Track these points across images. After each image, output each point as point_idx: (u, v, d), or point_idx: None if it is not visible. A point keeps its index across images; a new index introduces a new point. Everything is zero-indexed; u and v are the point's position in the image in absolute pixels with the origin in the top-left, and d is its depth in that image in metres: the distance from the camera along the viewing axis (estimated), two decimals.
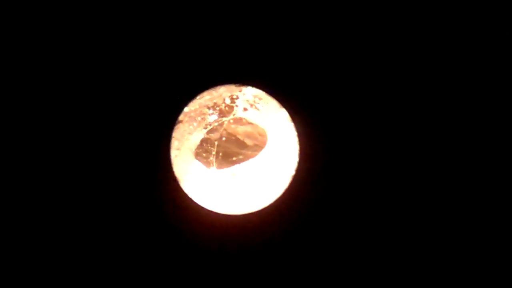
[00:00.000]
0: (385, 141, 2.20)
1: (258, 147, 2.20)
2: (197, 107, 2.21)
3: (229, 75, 2.22)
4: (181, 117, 2.21)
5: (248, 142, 2.19)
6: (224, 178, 2.21)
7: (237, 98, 2.23)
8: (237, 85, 2.20)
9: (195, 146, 2.20)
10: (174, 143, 2.20)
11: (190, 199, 2.17)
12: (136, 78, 2.23)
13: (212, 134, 2.19)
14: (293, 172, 2.20)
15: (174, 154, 2.21)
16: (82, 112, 2.19)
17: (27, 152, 2.14)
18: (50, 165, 2.15)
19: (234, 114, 2.21)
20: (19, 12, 2.05)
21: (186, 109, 2.21)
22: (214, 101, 2.22)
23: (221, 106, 2.22)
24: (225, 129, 2.19)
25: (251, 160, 2.21)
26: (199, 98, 2.21)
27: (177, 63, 2.24)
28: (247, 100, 2.24)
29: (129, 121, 2.23)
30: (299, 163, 2.20)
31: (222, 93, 2.20)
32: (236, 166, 2.21)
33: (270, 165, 2.22)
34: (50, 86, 2.17)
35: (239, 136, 2.18)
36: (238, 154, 2.18)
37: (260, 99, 2.23)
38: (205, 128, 2.21)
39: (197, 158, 2.21)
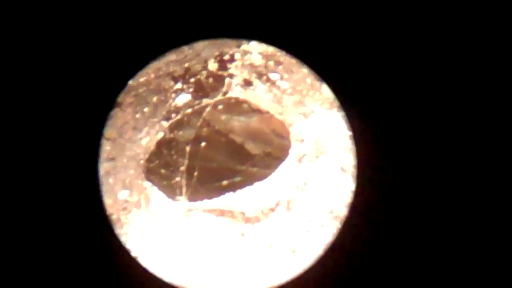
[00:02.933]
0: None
1: (272, 158, 1.72)
2: (152, 76, 1.71)
3: (219, 26, 1.80)
4: (120, 98, 1.70)
5: (253, 148, 1.71)
6: (205, 221, 1.72)
7: (232, 60, 1.73)
8: (233, 39, 1.76)
9: (146, 155, 1.70)
10: (106, 149, 1.69)
11: (144, 269, 1.69)
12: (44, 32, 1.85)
13: (180, 132, 1.71)
14: (343, 212, 1.69)
15: (105, 170, 1.70)
16: None
17: None
18: None
19: (224, 93, 1.72)
20: None
21: (130, 82, 1.72)
22: (186, 65, 1.74)
23: (199, 76, 1.73)
24: (206, 121, 1.71)
25: (257, 185, 1.70)
26: (157, 61, 1.72)
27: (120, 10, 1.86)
28: (252, 65, 1.74)
29: (31, 107, 1.83)
30: (357, 192, 1.69)
31: (201, 51, 1.71)
32: (228, 196, 1.69)
33: (299, 196, 1.72)
34: None
35: (233, 137, 1.71)
36: (232, 172, 1.71)
37: (277, 62, 1.73)
38: (167, 119, 1.72)
39: (150, 179, 1.70)
